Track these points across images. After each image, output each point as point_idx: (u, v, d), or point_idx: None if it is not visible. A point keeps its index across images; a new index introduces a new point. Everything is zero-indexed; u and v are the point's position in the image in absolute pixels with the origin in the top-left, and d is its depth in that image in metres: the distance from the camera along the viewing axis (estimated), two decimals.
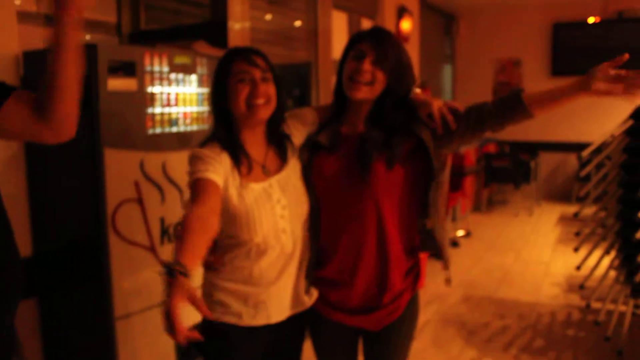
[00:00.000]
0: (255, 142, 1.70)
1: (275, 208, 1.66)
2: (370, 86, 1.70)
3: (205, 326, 1.73)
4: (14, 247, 1.39)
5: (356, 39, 1.76)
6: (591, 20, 8.05)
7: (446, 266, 1.90)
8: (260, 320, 1.69)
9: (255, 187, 1.64)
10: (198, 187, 1.51)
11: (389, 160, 1.69)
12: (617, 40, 7.95)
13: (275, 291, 1.69)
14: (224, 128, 1.66)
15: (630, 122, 3.54)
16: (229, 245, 1.67)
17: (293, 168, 1.74)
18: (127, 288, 2.25)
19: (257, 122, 1.68)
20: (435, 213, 1.78)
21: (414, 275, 1.83)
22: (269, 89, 1.65)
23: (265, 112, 1.65)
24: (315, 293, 1.80)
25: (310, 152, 1.78)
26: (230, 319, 1.67)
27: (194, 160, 1.57)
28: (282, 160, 1.74)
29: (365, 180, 1.68)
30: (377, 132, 1.73)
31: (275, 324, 1.71)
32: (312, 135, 1.81)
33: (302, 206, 1.73)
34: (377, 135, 1.72)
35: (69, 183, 2.27)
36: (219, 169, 1.57)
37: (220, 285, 1.68)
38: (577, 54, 8.24)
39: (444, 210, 1.84)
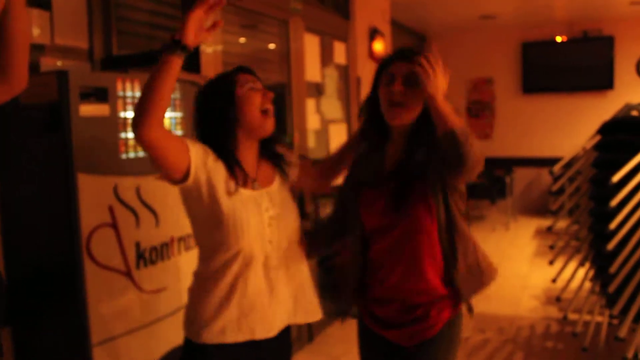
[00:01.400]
0: (249, 156, 1.73)
1: (263, 216, 1.68)
2: (401, 109, 1.69)
3: (186, 348, 1.72)
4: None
5: (384, 64, 1.77)
6: (558, 39, 8.27)
7: (469, 310, 1.86)
8: (243, 336, 1.66)
9: (245, 193, 1.66)
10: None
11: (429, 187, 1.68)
12: (583, 58, 8.18)
13: (260, 306, 1.68)
14: (224, 141, 1.68)
15: (598, 137, 3.64)
16: (214, 254, 1.66)
17: (283, 184, 1.79)
18: (105, 313, 2.23)
19: (265, 133, 1.71)
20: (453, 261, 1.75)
21: (453, 300, 1.78)
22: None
23: (273, 122, 1.72)
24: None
25: (356, 191, 1.81)
26: (212, 338, 1.66)
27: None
28: (273, 176, 1.78)
29: (404, 215, 1.69)
30: (414, 162, 1.71)
31: (260, 340, 1.70)
32: (354, 171, 1.85)
33: (291, 221, 1.75)
34: (414, 165, 1.71)
35: (43, 209, 2.25)
36: (201, 159, 1.62)
37: (203, 300, 1.67)
38: (546, 72, 8.46)
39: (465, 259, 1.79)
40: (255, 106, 1.67)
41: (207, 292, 1.67)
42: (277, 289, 1.71)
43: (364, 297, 1.88)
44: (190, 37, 1.47)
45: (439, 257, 1.74)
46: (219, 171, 1.65)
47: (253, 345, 1.69)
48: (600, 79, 8.16)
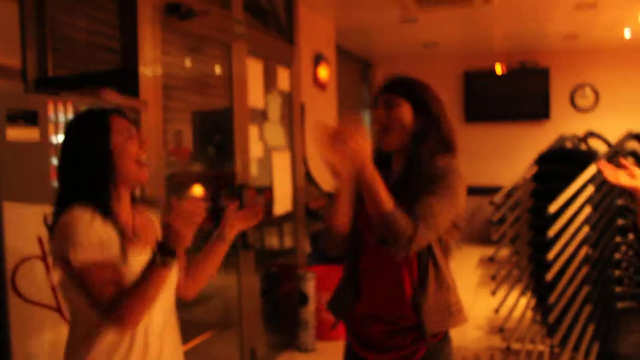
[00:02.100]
0: (125, 210, 1.56)
1: None
2: (388, 133, 1.73)
3: None
4: None
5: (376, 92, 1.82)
6: (498, 69, 8.53)
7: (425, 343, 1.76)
8: None
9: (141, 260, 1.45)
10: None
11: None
12: (521, 88, 8.45)
13: None
14: (104, 197, 1.49)
15: (535, 168, 3.73)
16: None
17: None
18: (31, 351, 2.08)
19: (140, 183, 1.58)
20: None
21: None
22: None
23: (147, 170, 1.57)
24: None
25: (359, 205, 1.74)
26: None
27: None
28: (152, 224, 1.66)
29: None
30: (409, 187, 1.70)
31: None
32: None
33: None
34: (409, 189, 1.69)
35: None
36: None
37: None
38: (488, 101, 8.67)
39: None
40: (132, 157, 1.51)
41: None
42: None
43: (353, 312, 1.86)
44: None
45: (409, 284, 1.74)
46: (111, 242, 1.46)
47: None
48: (537, 108, 8.44)
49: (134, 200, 1.61)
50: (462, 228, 1.78)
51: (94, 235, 1.42)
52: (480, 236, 8.53)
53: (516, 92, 8.47)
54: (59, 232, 1.43)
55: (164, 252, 1.36)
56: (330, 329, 2.01)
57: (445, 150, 1.79)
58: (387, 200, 1.57)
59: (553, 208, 3.15)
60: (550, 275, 3.11)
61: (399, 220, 1.56)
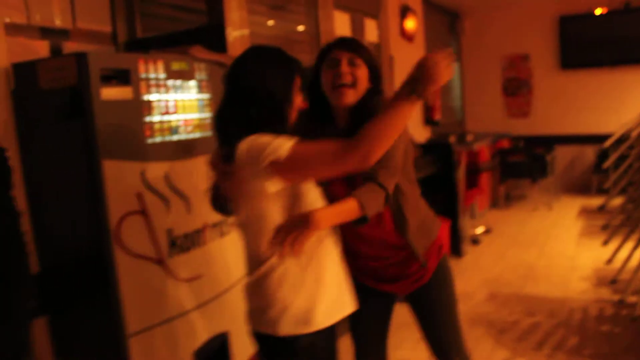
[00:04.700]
0: None
1: None
2: (354, 88, 1.80)
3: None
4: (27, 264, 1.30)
5: (325, 51, 1.87)
6: (598, 11, 7.89)
7: (422, 265, 2.01)
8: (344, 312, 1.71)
9: None
10: None
11: None
12: (623, 30, 7.78)
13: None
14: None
15: None
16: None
17: None
18: (139, 303, 2.14)
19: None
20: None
21: (436, 248, 2.03)
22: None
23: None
24: None
25: None
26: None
27: None
28: None
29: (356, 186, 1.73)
30: None
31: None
32: None
33: None
34: None
35: (70, 198, 2.16)
36: None
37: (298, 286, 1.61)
38: (585, 46, 8.08)
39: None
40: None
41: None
42: None
43: (355, 259, 2.01)
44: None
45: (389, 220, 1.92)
46: None
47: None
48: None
49: None
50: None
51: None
52: (580, 186, 8.10)
53: (618, 35, 7.80)
54: (255, 148, 1.50)
55: (412, 88, 1.46)
56: None
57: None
58: (351, 209, 1.63)
59: None
60: None
61: (372, 199, 1.66)
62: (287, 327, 1.59)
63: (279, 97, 1.59)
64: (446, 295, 2.10)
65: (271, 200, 1.56)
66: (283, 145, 1.48)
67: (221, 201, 1.77)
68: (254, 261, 1.65)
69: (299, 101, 1.66)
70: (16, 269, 1.17)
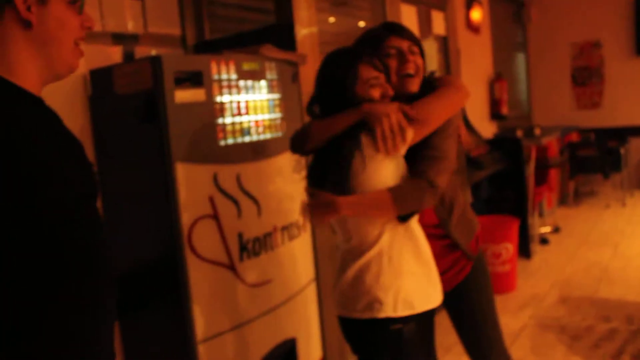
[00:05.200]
0: None
1: None
2: (418, 77, 1.81)
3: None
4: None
5: (380, 37, 1.82)
6: None
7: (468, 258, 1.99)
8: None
9: None
10: None
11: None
12: None
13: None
14: None
15: None
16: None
17: None
18: (210, 308, 2.14)
19: None
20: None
21: (475, 239, 2.00)
22: None
23: None
24: None
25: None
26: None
27: None
28: None
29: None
30: None
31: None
32: None
33: None
34: None
35: (143, 201, 2.18)
36: None
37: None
38: None
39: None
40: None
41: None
42: None
43: None
44: None
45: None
46: None
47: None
48: None
49: None
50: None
51: None
52: None
53: None
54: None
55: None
56: None
57: None
58: (383, 202, 1.61)
59: None
60: None
61: (410, 197, 1.63)
62: (390, 309, 1.64)
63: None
64: (487, 288, 2.04)
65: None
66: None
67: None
68: (357, 249, 1.69)
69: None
70: (106, 274, 1.19)
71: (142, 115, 2.05)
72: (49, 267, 1.00)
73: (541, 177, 5.77)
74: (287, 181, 2.49)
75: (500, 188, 5.03)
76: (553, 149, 6.50)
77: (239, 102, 2.26)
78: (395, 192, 1.60)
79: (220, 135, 2.18)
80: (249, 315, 2.27)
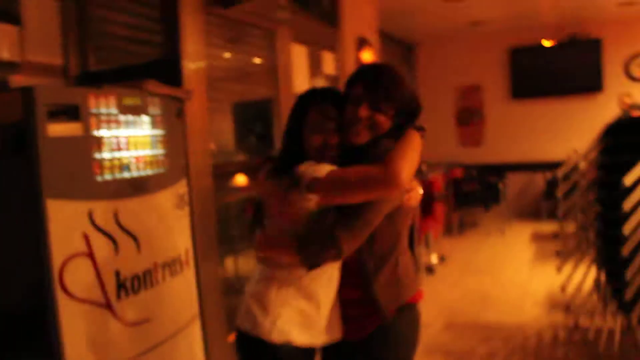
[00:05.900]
0: None
1: None
2: (365, 131, 1.71)
3: None
4: None
5: (350, 83, 1.76)
6: (546, 43, 8.18)
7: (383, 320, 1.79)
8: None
9: None
10: None
11: None
12: (570, 61, 8.09)
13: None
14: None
15: (606, 141, 3.51)
16: None
17: None
18: (85, 351, 2.03)
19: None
20: None
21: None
22: None
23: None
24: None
25: None
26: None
27: None
28: None
29: None
30: None
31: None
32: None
33: None
34: None
35: (9, 240, 2.05)
36: None
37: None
38: (535, 77, 8.36)
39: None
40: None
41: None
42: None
43: None
44: None
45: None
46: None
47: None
48: (589, 81, 8.08)
49: None
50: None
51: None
52: (531, 211, 8.32)
53: (566, 66, 8.11)
54: (306, 171, 1.64)
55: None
56: None
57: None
58: (290, 249, 1.66)
59: (629, 180, 2.94)
60: (627, 250, 2.92)
61: (313, 252, 1.63)
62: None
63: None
64: (395, 347, 1.81)
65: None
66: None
67: (260, 217, 1.82)
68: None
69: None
70: None
71: (11, 148, 1.96)
72: None
73: (427, 210, 6.03)
74: (169, 217, 2.44)
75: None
76: (438, 183, 6.82)
77: (118, 138, 2.21)
78: (300, 242, 1.64)
79: (97, 170, 2.11)
80: (128, 355, 2.18)
